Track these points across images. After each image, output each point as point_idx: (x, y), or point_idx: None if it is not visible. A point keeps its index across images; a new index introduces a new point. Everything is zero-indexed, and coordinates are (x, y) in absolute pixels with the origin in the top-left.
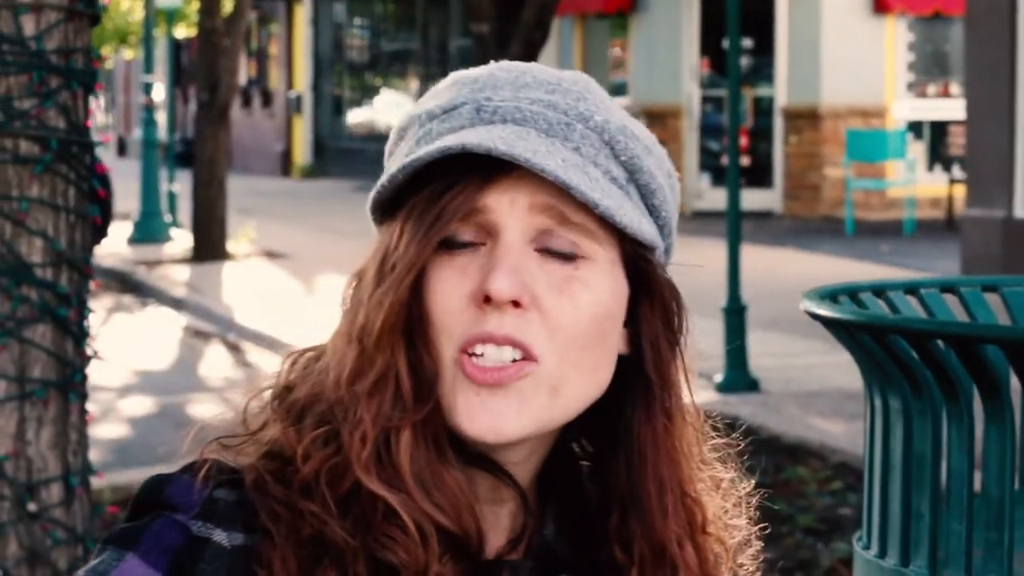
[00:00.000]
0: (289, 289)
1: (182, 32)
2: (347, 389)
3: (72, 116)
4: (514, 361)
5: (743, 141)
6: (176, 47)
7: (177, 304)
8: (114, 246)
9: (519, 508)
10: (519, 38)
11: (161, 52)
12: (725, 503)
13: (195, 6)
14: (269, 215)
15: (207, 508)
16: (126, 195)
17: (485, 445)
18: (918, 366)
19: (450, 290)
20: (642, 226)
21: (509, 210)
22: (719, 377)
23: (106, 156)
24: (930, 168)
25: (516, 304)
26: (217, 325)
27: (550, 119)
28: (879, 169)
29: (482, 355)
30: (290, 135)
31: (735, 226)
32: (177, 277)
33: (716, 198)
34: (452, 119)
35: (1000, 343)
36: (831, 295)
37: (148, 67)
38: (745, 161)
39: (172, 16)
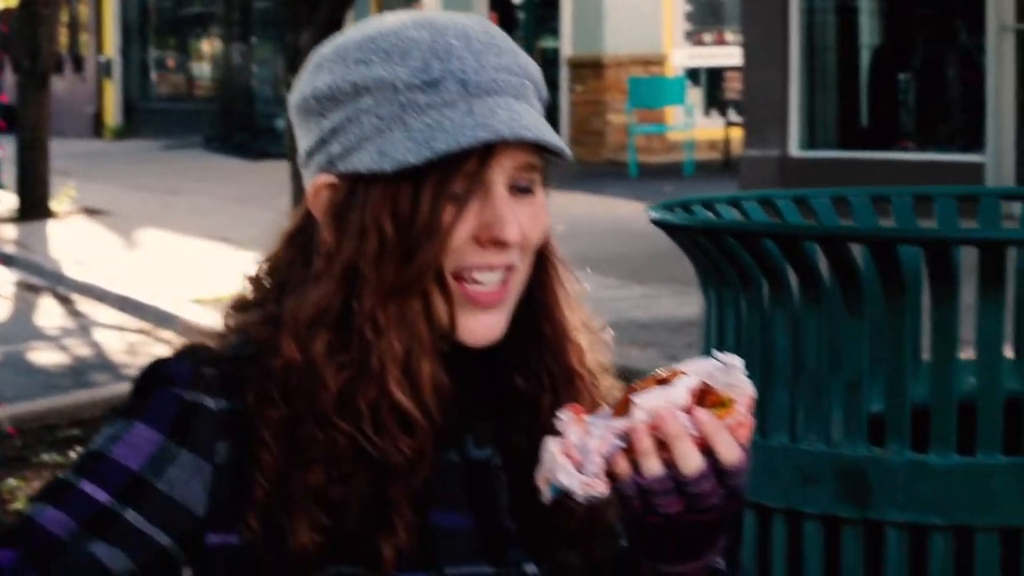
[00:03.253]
0: (111, 243)
1: (1, 2)
2: (370, 323)
3: None
4: (502, 281)
5: None
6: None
7: (6, 260)
8: None
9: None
10: None
11: None
12: (591, 338)
13: None
14: (86, 175)
15: (196, 380)
16: None
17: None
18: (748, 262)
19: (458, 234)
20: (563, 145)
21: (498, 170)
22: None
23: None
24: (707, 113)
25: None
26: (47, 279)
27: (514, 84)
28: (659, 115)
29: (482, 281)
30: (101, 98)
31: None
32: (5, 235)
33: None
34: (439, 93)
35: (817, 239)
36: (667, 207)
37: None
38: None
39: None
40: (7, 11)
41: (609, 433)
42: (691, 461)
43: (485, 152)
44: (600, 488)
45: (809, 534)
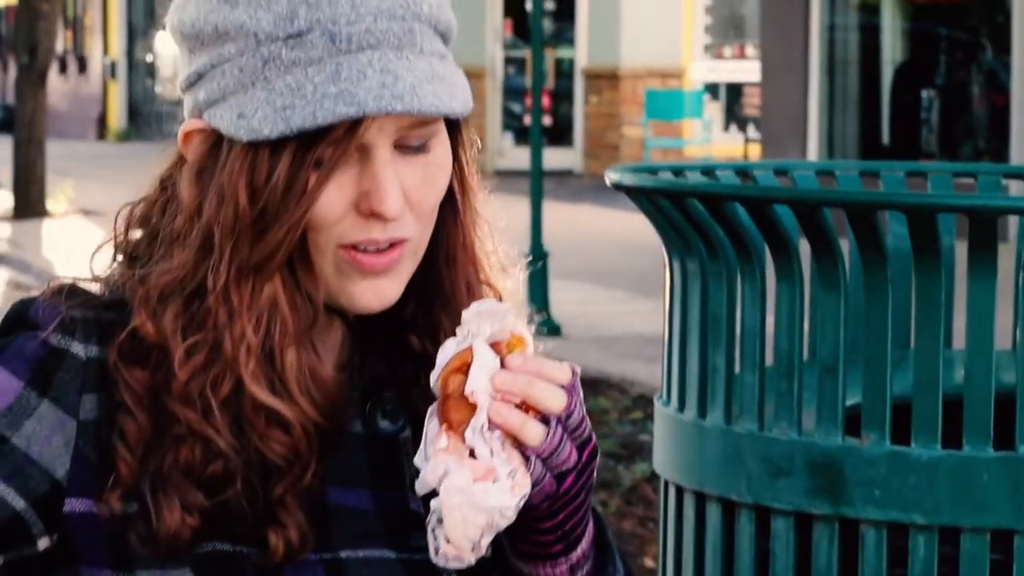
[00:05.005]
0: None
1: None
2: (223, 303)
3: None
4: (389, 246)
5: (544, 102)
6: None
7: None
8: None
9: (346, 336)
10: None
11: None
12: (511, 282)
13: None
14: (86, 176)
15: (64, 323)
16: None
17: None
18: (714, 229)
19: (332, 201)
20: (465, 92)
21: (378, 133)
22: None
23: None
24: (726, 128)
25: None
26: (37, 279)
27: (396, 32)
28: (676, 128)
29: (366, 250)
30: (105, 100)
31: (537, 182)
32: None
33: (518, 157)
34: (304, 48)
35: (789, 203)
36: (631, 171)
37: None
38: (547, 121)
39: None
40: (9, 8)
41: (485, 430)
42: (554, 398)
43: (355, 120)
44: (526, 481)
45: (778, 531)
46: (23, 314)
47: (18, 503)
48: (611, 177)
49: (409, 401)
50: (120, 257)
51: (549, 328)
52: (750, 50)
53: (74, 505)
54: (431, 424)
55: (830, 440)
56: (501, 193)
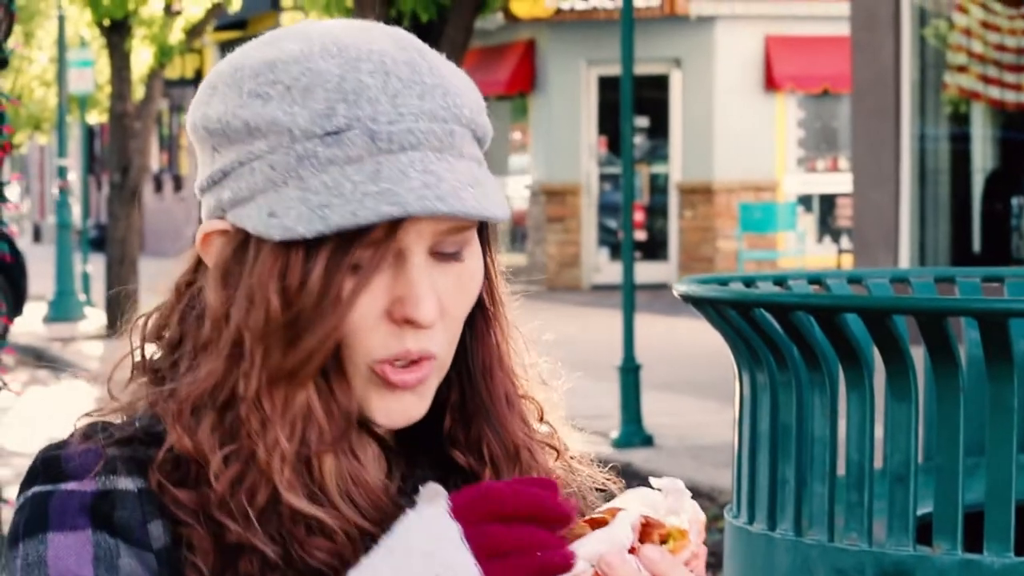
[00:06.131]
0: None
1: (95, 118)
2: (255, 411)
3: None
4: (418, 359)
5: (639, 217)
6: (89, 134)
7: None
8: (30, 325)
9: (380, 452)
10: None
11: (75, 140)
12: (551, 395)
13: (107, 91)
14: None
15: (105, 464)
16: (41, 277)
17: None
18: (782, 339)
19: (364, 311)
20: (503, 198)
21: (416, 237)
22: (615, 434)
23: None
24: (820, 239)
25: None
26: None
27: (438, 134)
28: (770, 240)
29: (395, 364)
30: (200, 218)
31: (629, 292)
32: (91, 352)
33: (614, 272)
34: (343, 146)
35: (859, 311)
36: (699, 282)
37: (61, 151)
38: (642, 236)
39: (84, 102)
40: (103, 126)
41: None
42: None
43: (395, 220)
44: None
45: None
46: (55, 464)
47: None
48: (679, 289)
49: None
50: (139, 375)
51: (641, 438)
52: (843, 163)
53: None
54: None
55: (901, 550)
56: (597, 307)
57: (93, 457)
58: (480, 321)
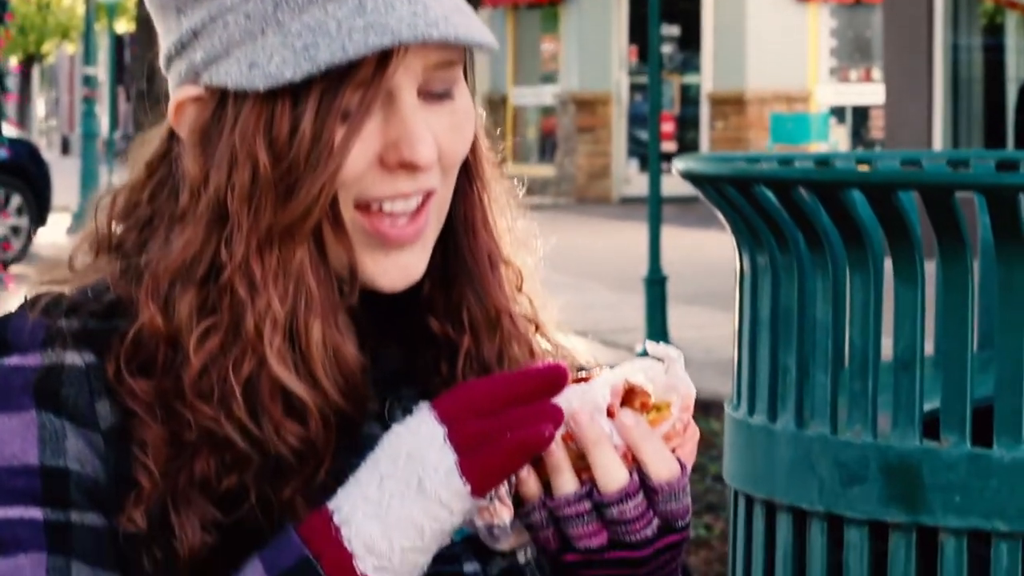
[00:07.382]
0: None
1: (123, 26)
2: (242, 276)
3: None
4: (418, 210)
5: (670, 128)
6: (118, 44)
7: None
8: (53, 236)
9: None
10: None
11: (104, 51)
12: (530, 259)
13: None
14: None
15: (52, 336)
16: (67, 190)
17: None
18: (784, 218)
19: (356, 157)
20: (483, 30)
21: (405, 74)
22: (640, 347)
23: (49, 155)
24: (852, 150)
25: None
26: None
27: None
28: (803, 151)
29: (393, 212)
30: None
31: (656, 203)
32: None
33: (644, 183)
34: None
35: (862, 186)
36: (700, 159)
37: (88, 59)
38: (672, 147)
39: (112, 10)
40: (132, 36)
41: None
42: (613, 475)
43: (383, 55)
44: (503, 516)
45: (852, 542)
46: (1, 336)
47: (103, 523)
48: (678, 166)
49: (428, 396)
50: (102, 253)
51: None
52: (876, 73)
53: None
54: None
55: (907, 443)
56: (626, 220)
57: (39, 329)
58: (462, 176)
